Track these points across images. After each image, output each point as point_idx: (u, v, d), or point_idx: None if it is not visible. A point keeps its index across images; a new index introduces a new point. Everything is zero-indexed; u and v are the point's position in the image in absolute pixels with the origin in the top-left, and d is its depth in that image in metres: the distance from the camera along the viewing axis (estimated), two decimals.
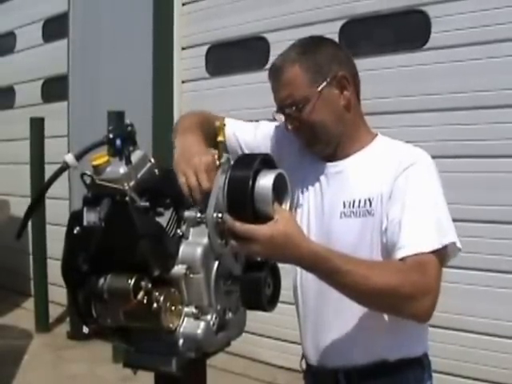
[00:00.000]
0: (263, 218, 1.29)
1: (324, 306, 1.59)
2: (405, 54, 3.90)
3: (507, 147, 3.51)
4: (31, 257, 6.07)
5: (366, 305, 1.47)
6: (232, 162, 1.34)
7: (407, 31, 4.06)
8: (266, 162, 1.34)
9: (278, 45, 4.51)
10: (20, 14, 7.31)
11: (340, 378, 1.59)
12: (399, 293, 1.38)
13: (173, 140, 1.57)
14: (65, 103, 6.28)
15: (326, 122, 1.57)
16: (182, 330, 1.26)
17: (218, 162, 1.36)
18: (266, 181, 1.28)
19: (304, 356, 1.70)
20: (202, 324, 1.27)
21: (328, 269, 1.34)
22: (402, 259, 1.43)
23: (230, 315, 1.33)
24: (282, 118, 1.61)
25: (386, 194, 1.51)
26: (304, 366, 1.72)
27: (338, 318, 1.58)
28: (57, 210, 5.18)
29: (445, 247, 1.46)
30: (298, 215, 1.64)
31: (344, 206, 1.56)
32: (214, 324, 1.28)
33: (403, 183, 1.50)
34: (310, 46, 1.61)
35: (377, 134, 1.66)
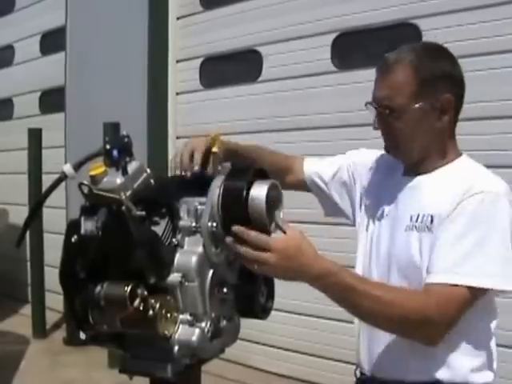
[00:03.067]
0: (257, 228, 1.29)
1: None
2: None
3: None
4: (29, 264, 6.10)
5: (375, 325, 1.48)
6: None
7: (399, 44, 4.08)
8: (259, 172, 1.35)
9: (271, 58, 4.53)
10: (18, 28, 7.36)
11: None
12: (408, 320, 1.39)
13: None
14: (62, 114, 6.30)
15: (412, 137, 1.54)
16: (177, 336, 1.28)
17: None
18: (259, 191, 1.28)
19: (358, 365, 1.70)
20: (197, 331, 1.29)
21: (340, 286, 1.35)
22: (430, 284, 1.42)
23: (224, 323, 1.34)
24: (373, 111, 1.57)
25: (445, 213, 1.47)
26: (358, 375, 1.71)
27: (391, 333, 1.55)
28: (54, 219, 5.20)
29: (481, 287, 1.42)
30: (375, 227, 1.65)
31: (410, 220, 1.53)
32: (208, 331, 1.29)
33: (465, 209, 1.44)
34: (432, 54, 1.55)
35: (461, 154, 1.61)
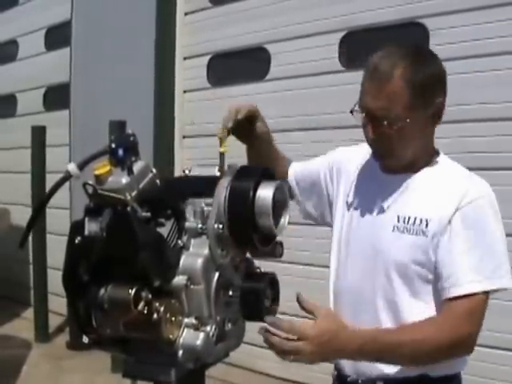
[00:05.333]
0: (263, 230, 1.30)
1: (360, 319, 1.57)
2: None
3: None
4: (31, 266, 6.04)
5: (416, 365, 1.53)
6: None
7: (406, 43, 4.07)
8: (266, 173, 1.34)
9: (279, 56, 4.52)
10: (22, 23, 7.32)
11: None
12: (446, 347, 1.46)
13: None
14: (66, 112, 6.28)
15: (408, 143, 1.55)
16: (181, 340, 1.26)
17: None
18: (266, 192, 1.28)
19: (337, 367, 1.71)
20: (202, 335, 1.27)
21: (379, 348, 1.43)
22: (451, 298, 1.48)
23: (229, 326, 1.33)
24: (360, 117, 1.57)
25: (445, 219, 1.51)
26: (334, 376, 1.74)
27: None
28: (57, 220, 5.17)
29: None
30: (346, 218, 1.68)
31: (398, 221, 1.56)
32: (213, 335, 1.28)
33: (467, 216, 1.50)
34: (424, 58, 1.56)
35: (438, 153, 1.65)
